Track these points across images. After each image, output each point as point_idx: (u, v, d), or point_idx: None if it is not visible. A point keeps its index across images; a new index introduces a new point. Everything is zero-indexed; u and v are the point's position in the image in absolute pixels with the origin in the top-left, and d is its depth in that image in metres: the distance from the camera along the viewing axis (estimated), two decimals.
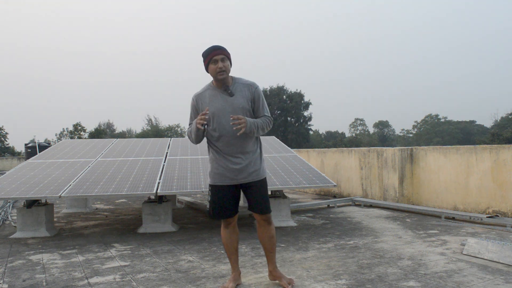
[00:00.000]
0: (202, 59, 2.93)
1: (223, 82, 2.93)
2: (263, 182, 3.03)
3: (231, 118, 2.82)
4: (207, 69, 2.93)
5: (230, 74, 2.99)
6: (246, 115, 2.93)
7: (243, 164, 2.94)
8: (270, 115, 3.02)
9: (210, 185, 3.06)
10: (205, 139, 3.08)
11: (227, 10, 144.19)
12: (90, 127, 74.29)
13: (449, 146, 6.72)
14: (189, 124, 3.09)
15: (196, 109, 3.02)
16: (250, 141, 2.97)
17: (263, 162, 3.09)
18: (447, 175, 6.49)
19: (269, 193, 5.30)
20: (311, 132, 57.85)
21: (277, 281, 3.09)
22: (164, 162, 6.29)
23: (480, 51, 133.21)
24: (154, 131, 51.16)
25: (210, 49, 2.87)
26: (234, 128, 2.82)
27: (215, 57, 2.85)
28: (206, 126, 2.93)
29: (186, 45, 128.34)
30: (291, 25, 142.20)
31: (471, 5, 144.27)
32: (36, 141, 18.16)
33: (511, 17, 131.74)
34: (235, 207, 3.05)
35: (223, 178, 2.98)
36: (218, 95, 2.95)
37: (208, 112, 2.84)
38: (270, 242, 3.05)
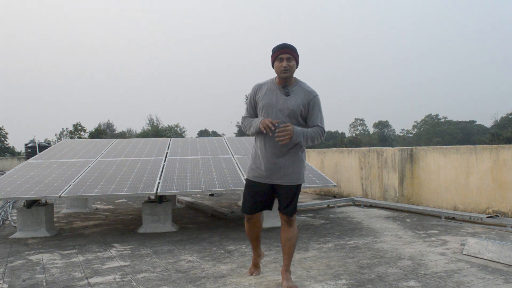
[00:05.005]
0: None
1: (284, 80, 2.96)
2: (296, 187, 3.02)
3: (280, 126, 2.80)
4: (272, 65, 2.98)
5: (296, 77, 3.04)
6: (293, 119, 2.93)
7: (279, 165, 2.95)
8: (323, 126, 2.99)
9: (246, 179, 3.15)
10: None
11: (228, 8, 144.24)
12: (90, 127, 74.40)
13: (449, 146, 6.72)
14: (246, 110, 3.15)
15: (253, 98, 3.10)
16: (292, 143, 2.93)
17: (304, 168, 3.06)
18: (447, 175, 6.49)
19: None
20: None
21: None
22: (164, 162, 6.29)
23: (480, 51, 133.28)
24: (154, 131, 51.15)
25: (278, 47, 2.92)
26: (277, 140, 2.80)
27: (281, 55, 2.89)
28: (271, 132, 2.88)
29: (186, 44, 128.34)
30: (291, 24, 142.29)
31: (470, 5, 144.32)
32: (36, 141, 18.15)
33: (509, 16, 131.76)
34: (265, 205, 3.09)
35: (258, 175, 3.02)
36: (275, 90, 2.99)
37: (276, 123, 2.83)
38: (286, 243, 3.04)
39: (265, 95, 3.00)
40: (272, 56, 2.97)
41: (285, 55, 2.89)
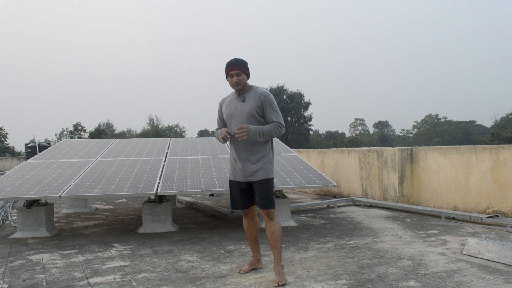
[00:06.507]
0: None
1: (239, 91, 3.35)
2: (266, 181, 3.28)
3: (236, 129, 3.18)
4: (226, 79, 3.35)
5: (251, 84, 3.41)
6: (252, 120, 3.27)
7: (248, 164, 3.29)
8: (279, 121, 3.29)
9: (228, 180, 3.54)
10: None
11: (228, 7, 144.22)
12: (90, 127, 74.37)
13: (449, 146, 6.72)
14: (217, 123, 3.57)
15: (220, 112, 3.51)
16: (257, 144, 3.29)
17: (271, 164, 3.37)
18: (447, 175, 6.49)
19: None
20: (311, 132, 57.82)
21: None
22: (164, 162, 6.29)
23: (480, 51, 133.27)
24: (154, 131, 51.14)
25: (227, 64, 3.29)
26: (236, 136, 3.19)
27: (231, 72, 3.27)
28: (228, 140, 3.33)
29: (186, 43, 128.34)
30: (291, 24, 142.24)
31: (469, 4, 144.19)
32: (36, 141, 18.15)
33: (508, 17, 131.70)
34: (248, 200, 3.39)
35: (234, 174, 3.41)
36: (234, 100, 3.39)
37: (233, 132, 3.21)
38: (271, 237, 3.23)
39: (227, 106, 3.42)
40: (225, 72, 3.31)
41: (234, 71, 3.26)
